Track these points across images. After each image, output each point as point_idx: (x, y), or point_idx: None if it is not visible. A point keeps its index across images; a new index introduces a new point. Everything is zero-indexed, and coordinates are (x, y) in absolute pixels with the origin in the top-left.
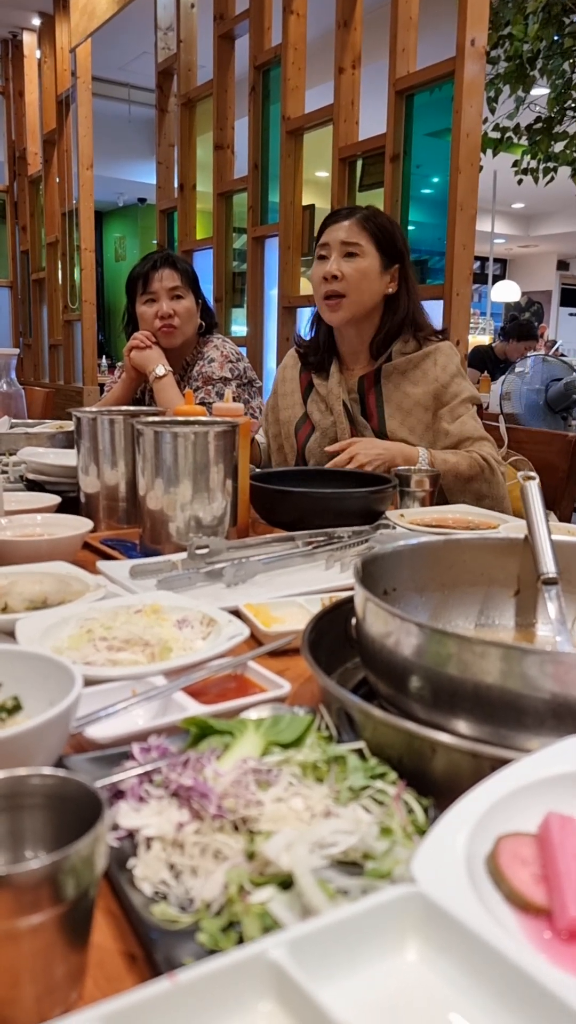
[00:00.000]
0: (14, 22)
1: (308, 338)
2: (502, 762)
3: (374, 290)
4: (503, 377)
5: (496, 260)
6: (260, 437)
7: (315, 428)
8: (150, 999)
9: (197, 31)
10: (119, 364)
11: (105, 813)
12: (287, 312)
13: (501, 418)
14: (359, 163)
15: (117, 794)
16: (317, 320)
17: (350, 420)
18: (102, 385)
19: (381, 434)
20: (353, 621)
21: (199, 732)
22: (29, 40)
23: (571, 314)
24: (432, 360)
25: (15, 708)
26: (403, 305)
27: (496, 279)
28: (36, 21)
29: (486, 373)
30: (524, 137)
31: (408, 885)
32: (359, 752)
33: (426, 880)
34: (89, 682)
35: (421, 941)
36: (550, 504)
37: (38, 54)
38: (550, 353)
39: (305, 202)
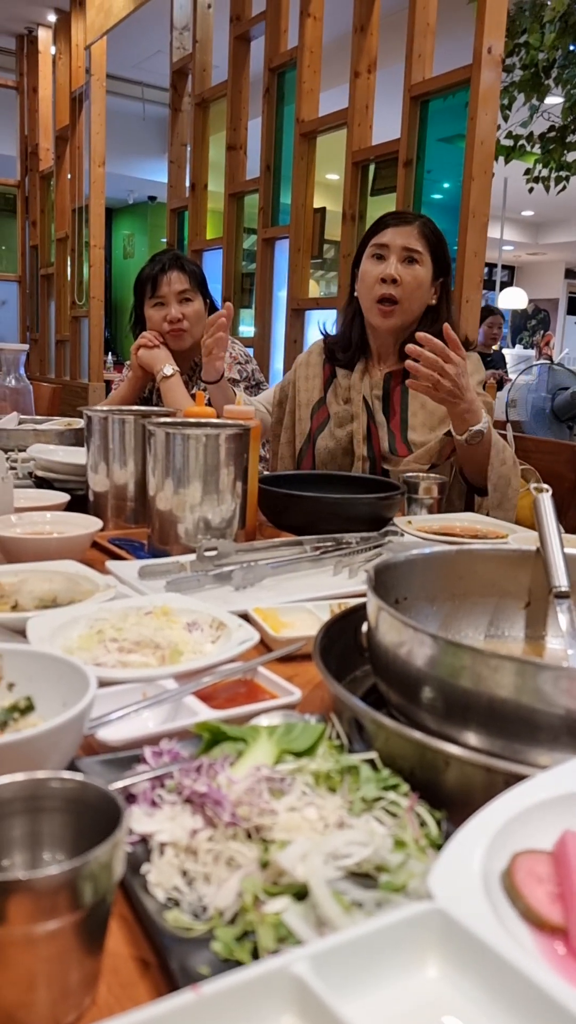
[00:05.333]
0: (30, 18)
1: (336, 333)
2: (516, 777)
3: (424, 300)
4: (510, 384)
5: (504, 267)
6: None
7: (330, 417)
8: (175, 1011)
9: (213, 31)
10: (127, 362)
11: (124, 819)
12: (295, 314)
13: (509, 426)
14: (372, 167)
15: (129, 798)
16: (351, 319)
17: (369, 415)
18: (108, 382)
19: (402, 431)
20: (364, 629)
21: (211, 738)
22: (44, 36)
23: None
24: None
25: (28, 708)
26: (442, 317)
27: (504, 286)
28: (52, 17)
29: (492, 380)
30: (537, 145)
31: (427, 901)
32: (371, 762)
33: (444, 897)
34: (100, 683)
35: (441, 958)
36: (557, 514)
37: (53, 50)
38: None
39: (316, 205)
